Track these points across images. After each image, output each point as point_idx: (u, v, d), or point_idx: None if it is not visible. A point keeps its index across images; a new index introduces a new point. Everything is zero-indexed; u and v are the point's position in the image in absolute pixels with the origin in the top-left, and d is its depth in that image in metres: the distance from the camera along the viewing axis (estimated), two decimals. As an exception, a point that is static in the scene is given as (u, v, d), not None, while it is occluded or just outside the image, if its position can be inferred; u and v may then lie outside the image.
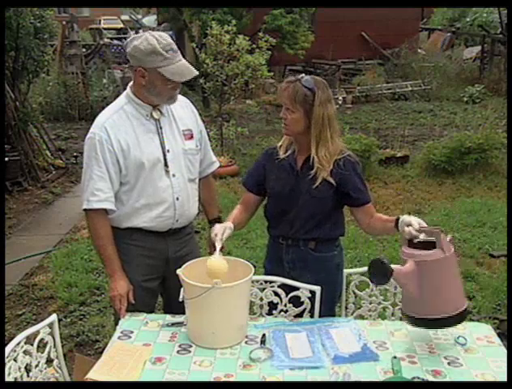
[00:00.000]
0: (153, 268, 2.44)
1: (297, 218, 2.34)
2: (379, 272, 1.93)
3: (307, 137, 2.28)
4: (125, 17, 23.65)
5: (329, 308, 2.42)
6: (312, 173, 2.29)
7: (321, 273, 2.37)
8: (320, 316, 2.33)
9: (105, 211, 2.30)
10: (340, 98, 11.34)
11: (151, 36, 2.18)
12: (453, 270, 2.02)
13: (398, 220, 2.14)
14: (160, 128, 2.33)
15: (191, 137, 2.42)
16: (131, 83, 2.33)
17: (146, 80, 2.23)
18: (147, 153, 2.28)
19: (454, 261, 2.02)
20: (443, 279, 1.98)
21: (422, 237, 2.01)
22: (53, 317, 2.10)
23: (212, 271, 2.06)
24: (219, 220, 2.67)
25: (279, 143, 2.44)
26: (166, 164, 2.32)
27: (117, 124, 2.27)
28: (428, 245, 1.99)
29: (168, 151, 2.33)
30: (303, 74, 2.31)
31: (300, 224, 2.34)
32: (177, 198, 2.37)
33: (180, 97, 2.47)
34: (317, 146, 2.27)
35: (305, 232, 2.35)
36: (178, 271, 2.09)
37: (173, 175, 2.35)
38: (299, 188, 2.32)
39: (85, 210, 2.31)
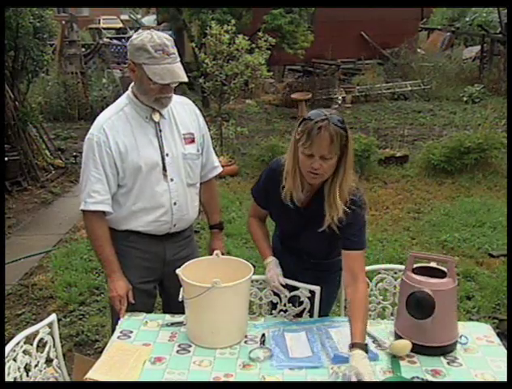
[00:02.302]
0: (150, 271, 2.42)
1: (306, 249, 2.31)
2: (421, 309, 1.94)
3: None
4: (124, 17, 23.66)
5: (328, 304, 2.43)
6: (318, 214, 2.09)
7: (323, 272, 2.37)
8: (319, 315, 2.33)
9: (103, 213, 2.29)
10: (340, 98, 11.35)
11: (148, 34, 2.17)
12: (456, 299, 2.05)
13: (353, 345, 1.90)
14: (160, 131, 2.30)
15: (192, 141, 2.38)
16: (132, 84, 2.31)
17: (135, 75, 2.22)
18: (144, 157, 2.25)
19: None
20: (452, 308, 2.00)
21: (433, 264, 2.05)
22: (53, 317, 2.10)
23: (397, 350, 2.00)
24: (219, 226, 2.66)
25: (288, 186, 2.10)
26: (164, 168, 2.29)
27: (116, 125, 2.25)
28: (433, 272, 2.02)
29: (167, 154, 2.30)
30: (323, 112, 1.96)
31: (310, 254, 2.32)
32: (175, 203, 2.34)
33: (184, 100, 2.44)
34: (343, 186, 2.03)
35: (314, 257, 2.34)
36: (178, 271, 2.09)
37: (171, 179, 2.32)
38: (303, 229, 2.22)
39: (82, 211, 2.30)
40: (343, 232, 2.10)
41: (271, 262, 2.28)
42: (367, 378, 1.75)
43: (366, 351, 1.87)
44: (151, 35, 2.15)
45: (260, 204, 2.36)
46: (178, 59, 2.20)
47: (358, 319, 1.95)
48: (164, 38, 2.17)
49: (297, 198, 2.13)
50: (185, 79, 2.19)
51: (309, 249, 2.31)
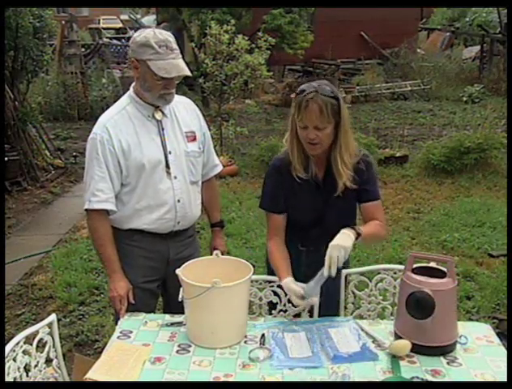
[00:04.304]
0: (153, 270, 2.43)
1: (322, 233, 2.23)
2: (421, 309, 1.93)
3: (328, 147, 2.14)
4: (124, 17, 23.68)
5: (335, 302, 2.43)
6: (335, 184, 2.16)
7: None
8: (327, 314, 2.31)
9: (106, 212, 2.30)
10: (340, 98, 11.35)
11: (151, 31, 2.22)
12: (455, 299, 2.04)
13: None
14: (162, 129, 2.32)
15: (194, 139, 2.40)
16: (134, 83, 2.33)
17: (138, 72, 2.24)
18: (147, 155, 2.27)
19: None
20: (451, 308, 2.00)
21: (433, 264, 2.05)
22: (53, 317, 2.10)
23: (396, 350, 2.00)
24: (220, 224, 2.68)
25: (294, 161, 2.18)
26: (168, 166, 2.31)
27: (119, 124, 2.27)
28: (433, 273, 2.01)
29: (169, 152, 2.32)
30: (313, 85, 2.07)
31: (325, 238, 2.21)
32: (179, 201, 2.35)
33: (184, 99, 2.48)
34: (343, 152, 2.12)
35: (328, 242, 2.30)
36: (177, 271, 2.08)
37: (175, 177, 2.34)
38: (326, 207, 2.23)
39: (86, 210, 2.31)
40: (361, 188, 2.21)
41: (290, 279, 2.13)
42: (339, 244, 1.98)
43: (357, 234, 2.04)
44: (153, 32, 2.21)
45: (276, 209, 2.26)
46: (180, 55, 2.24)
47: (366, 226, 2.19)
48: (167, 34, 2.22)
49: (311, 174, 2.19)
50: (189, 73, 2.25)
51: (333, 230, 2.22)
